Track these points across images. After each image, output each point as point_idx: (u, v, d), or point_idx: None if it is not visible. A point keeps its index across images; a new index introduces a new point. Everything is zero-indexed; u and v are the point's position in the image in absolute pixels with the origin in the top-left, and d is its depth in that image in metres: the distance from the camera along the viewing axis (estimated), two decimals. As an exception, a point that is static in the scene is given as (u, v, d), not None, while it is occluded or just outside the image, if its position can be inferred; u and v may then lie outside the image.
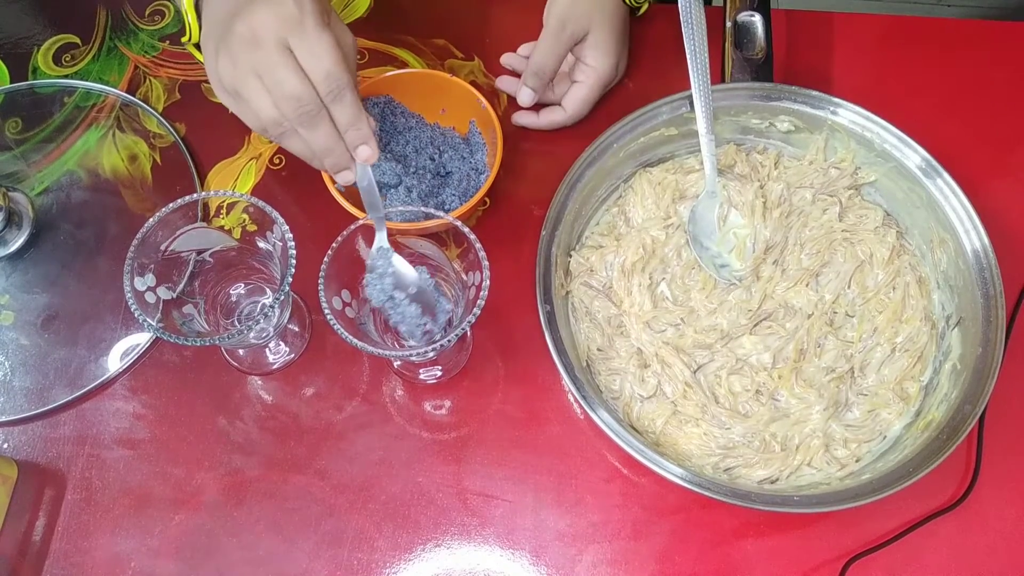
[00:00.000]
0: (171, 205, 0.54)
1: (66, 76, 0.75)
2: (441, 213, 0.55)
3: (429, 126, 0.68)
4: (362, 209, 0.61)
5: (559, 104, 0.70)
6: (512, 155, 0.71)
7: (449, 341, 0.51)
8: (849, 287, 0.63)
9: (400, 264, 0.56)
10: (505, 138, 0.64)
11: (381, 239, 0.55)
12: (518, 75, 0.73)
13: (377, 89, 0.66)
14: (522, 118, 0.71)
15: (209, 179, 0.70)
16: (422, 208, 0.56)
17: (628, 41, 0.72)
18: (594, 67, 0.68)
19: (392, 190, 0.65)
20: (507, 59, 0.75)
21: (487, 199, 0.69)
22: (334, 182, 0.61)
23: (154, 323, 0.53)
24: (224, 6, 0.53)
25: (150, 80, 0.75)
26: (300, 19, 0.50)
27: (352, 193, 0.65)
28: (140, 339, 0.64)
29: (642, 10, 0.74)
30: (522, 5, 0.76)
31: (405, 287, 0.55)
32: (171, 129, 0.72)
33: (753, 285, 0.63)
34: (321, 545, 0.59)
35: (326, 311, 0.52)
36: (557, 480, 0.60)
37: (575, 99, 0.69)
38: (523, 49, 0.75)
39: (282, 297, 0.53)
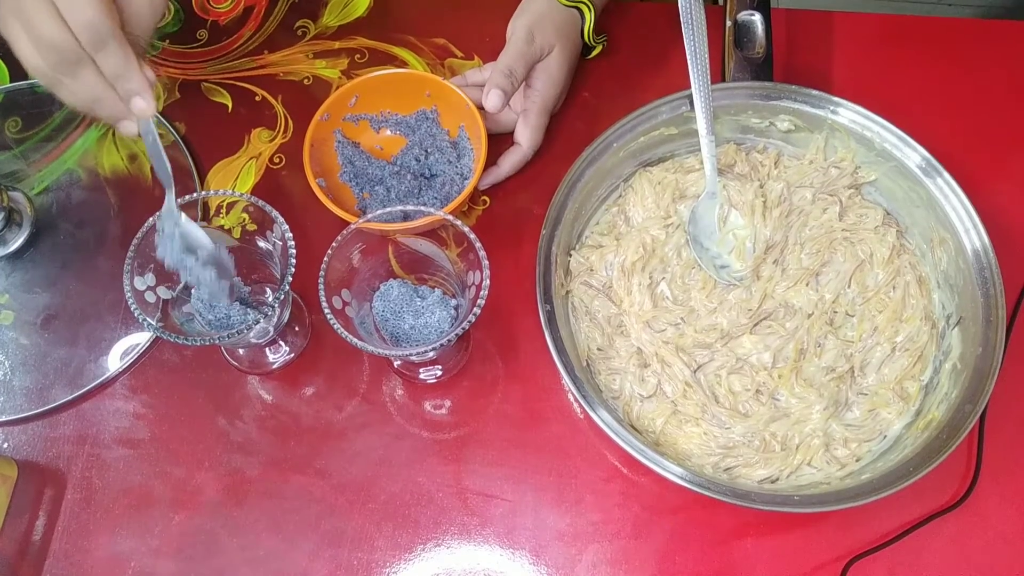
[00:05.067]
0: (171, 205, 0.54)
1: (66, 76, 0.75)
2: (423, 209, 0.55)
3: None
4: (351, 212, 0.61)
5: (513, 141, 0.67)
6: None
7: (449, 340, 0.51)
8: (849, 286, 0.63)
9: (191, 228, 0.54)
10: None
11: (169, 201, 0.54)
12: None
13: (368, 88, 0.66)
14: (487, 179, 0.67)
15: (209, 178, 0.70)
16: (399, 208, 0.56)
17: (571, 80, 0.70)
18: (540, 91, 0.66)
19: (373, 187, 0.65)
20: (457, 82, 0.69)
21: (487, 198, 0.69)
22: (320, 187, 0.61)
23: (154, 323, 0.53)
24: None
25: (150, 80, 0.75)
26: None
27: (339, 200, 0.65)
28: (140, 339, 0.64)
29: (594, 52, 0.72)
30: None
31: (194, 250, 0.54)
32: (171, 128, 0.72)
33: (753, 284, 0.63)
34: (321, 545, 0.59)
35: (326, 311, 0.52)
36: (557, 479, 0.60)
37: (529, 127, 0.66)
38: (471, 75, 0.71)
39: (282, 296, 0.53)
